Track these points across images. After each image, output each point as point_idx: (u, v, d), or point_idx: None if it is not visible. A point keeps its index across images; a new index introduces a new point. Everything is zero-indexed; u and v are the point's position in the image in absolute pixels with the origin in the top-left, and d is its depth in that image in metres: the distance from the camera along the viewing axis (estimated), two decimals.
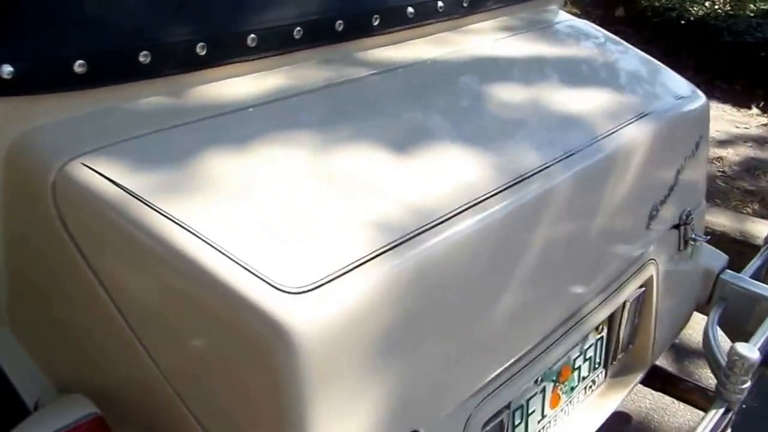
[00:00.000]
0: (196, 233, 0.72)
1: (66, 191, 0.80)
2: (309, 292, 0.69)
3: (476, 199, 0.86)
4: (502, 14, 1.41)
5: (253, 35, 1.00)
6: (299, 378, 0.67)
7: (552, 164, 0.95)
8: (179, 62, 0.94)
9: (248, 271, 0.69)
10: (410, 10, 1.19)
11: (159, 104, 0.93)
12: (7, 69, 0.79)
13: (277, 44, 1.04)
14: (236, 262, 0.70)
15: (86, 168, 0.80)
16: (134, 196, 0.76)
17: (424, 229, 0.79)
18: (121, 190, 0.77)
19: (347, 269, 0.72)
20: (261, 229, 0.75)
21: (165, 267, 0.73)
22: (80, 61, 0.84)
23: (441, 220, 0.81)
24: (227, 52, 0.98)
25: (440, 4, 1.24)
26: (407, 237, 0.78)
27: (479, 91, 1.12)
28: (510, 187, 0.89)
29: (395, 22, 1.18)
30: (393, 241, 0.76)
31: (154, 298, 0.77)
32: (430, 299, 0.80)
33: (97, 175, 0.79)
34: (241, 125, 0.93)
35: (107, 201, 0.77)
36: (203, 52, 0.95)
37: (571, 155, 0.98)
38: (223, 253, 0.70)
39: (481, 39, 1.30)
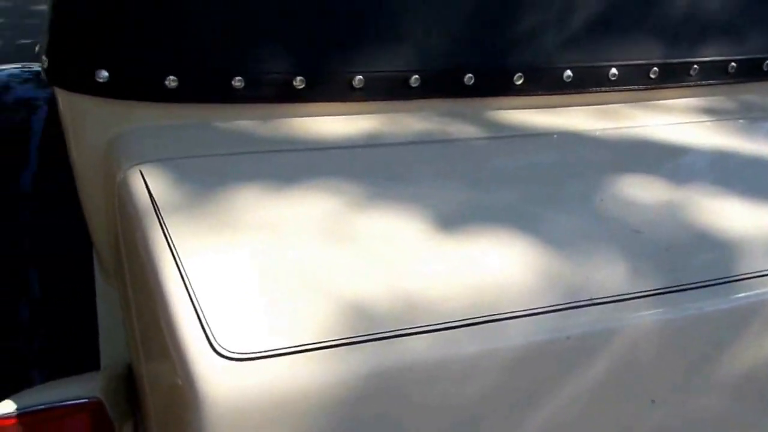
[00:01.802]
0: (180, 265, 0.70)
1: (122, 192, 0.84)
2: (243, 361, 0.61)
3: (508, 313, 0.68)
4: (718, 92, 1.12)
5: (360, 77, 0.94)
6: None
7: (645, 295, 0.71)
8: (273, 92, 0.93)
9: (199, 319, 0.64)
10: (568, 73, 1.01)
11: (243, 129, 0.93)
12: (104, 74, 0.86)
13: (387, 89, 0.97)
14: (195, 307, 0.65)
15: (140, 175, 0.83)
16: (156, 211, 0.77)
17: (411, 332, 0.65)
18: (150, 202, 0.78)
19: (300, 349, 0.62)
20: (246, 282, 0.69)
21: (148, 287, 0.73)
22: (172, 77, 0.88)
23: (443, 326, 0.66)
24: (327, 90, 0.94)
25: (613, 71, 1.03)
26: (387, 335, 0.64)
27: (610, 180, 0.89)
28: (559, 311, 0.68)
29: (545, 85, 1.02)
30: (368, 335, 0.64)
31: (143, 312, 0.77)
32: (397, 416, 0.65)
33: (143, 184, 0.81)
34: (306, 165, 0.88)
35: (136, 209, 0.79)
36: (301, 86, 0.93)
37: (684, 290, 0.72)
38: (189, 294, 0.67)
39: (665, 118, 1.05)
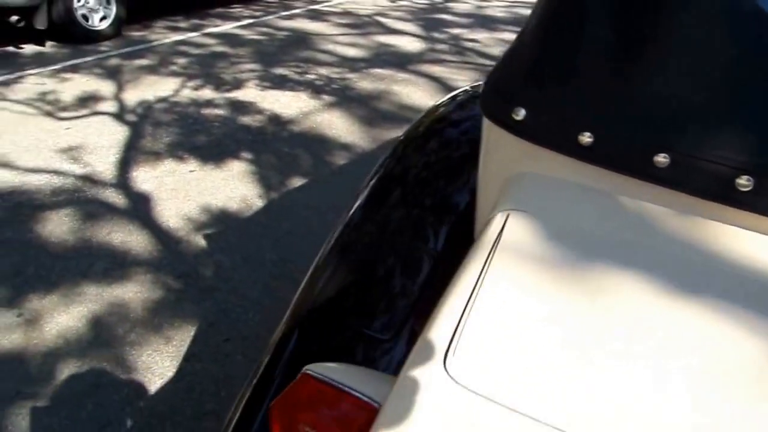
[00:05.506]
0: (467, 308, 0.62)
1: (486, 231, 0.77)
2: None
3: None
4: None
5: None
6: None
7: None
8: (705, 185, 0.69)
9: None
10: None
11: (649, 217, 0.73)
12: (521, 112, 0.80)
13: None
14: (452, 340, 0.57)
15: (502, 222, 0.74)
16: (489, 256, 0.68)
17: None
18: (491, 247, 0.70)
19: None
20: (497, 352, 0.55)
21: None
22: (588, 133, 0.75)
23: None
24: None
25: None
26: None
27: None
28: None
29: None
30: None
31: None
32: None
33: (498, 232, 0.73)
34: (679, 287, 0.63)
35: (478, 247, 0.71)
36: (746, 188, 0.67)
37: None
38: (456, 330, 0.59)
39: None
